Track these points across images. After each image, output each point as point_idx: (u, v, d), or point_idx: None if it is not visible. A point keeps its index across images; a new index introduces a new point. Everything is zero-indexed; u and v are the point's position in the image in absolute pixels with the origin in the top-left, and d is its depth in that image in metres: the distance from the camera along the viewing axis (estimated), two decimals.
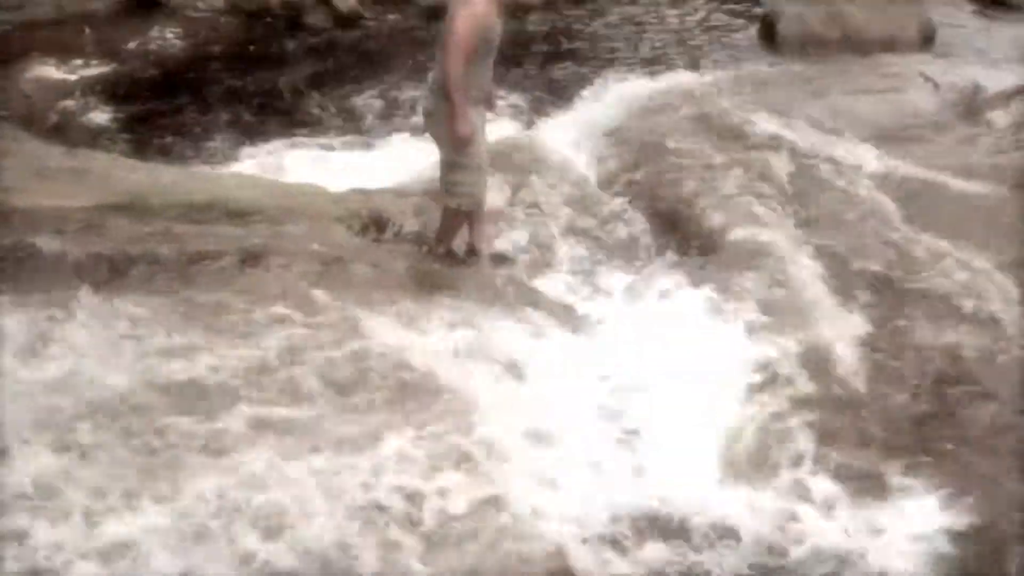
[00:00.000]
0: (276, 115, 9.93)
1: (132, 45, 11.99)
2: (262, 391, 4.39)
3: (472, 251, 6.17)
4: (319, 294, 5.10)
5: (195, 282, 5.08)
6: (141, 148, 8.73)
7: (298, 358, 4.62)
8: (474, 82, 5.54)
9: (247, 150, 8.80)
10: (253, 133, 9.35)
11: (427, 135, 6.07)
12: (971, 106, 9.29)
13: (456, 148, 5.67)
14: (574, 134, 8.50)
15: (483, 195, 5.96)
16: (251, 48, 12.12)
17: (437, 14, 13.54)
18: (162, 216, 5.71)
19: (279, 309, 4.93)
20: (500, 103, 9.23)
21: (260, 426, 4.17)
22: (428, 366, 4.75)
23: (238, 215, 5.94)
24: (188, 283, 5.07)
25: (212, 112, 9.96)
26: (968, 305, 5.74)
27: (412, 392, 4.56)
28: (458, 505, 4.04)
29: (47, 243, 5.19)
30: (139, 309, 4.78)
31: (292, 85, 10.90)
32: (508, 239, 6.73)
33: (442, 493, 4.07)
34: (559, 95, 10.29)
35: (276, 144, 8.99)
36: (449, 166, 5.81)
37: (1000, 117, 8.97)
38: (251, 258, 5.35)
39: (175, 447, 4.02)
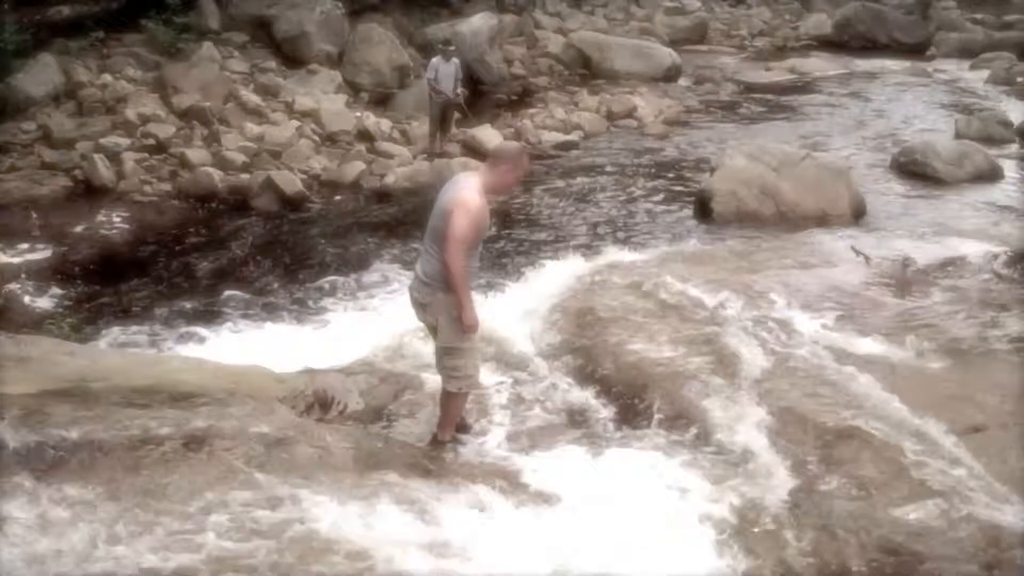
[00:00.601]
0: (221, 298, 10.02)
1: (78, 229, 12.16)
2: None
3: (462, 426, 6.47)
4: (262, 477, 5.10)
5: (138, 467, 5.05)
6: (86, 332, 8.76)
7: (242, 545, 4.59)
8: (469, 270, 5.84)
9: (192, 332, 8.88)
10: (198, 316, 9.43)
11: (422, 324, 6.34)
12: (901, 279, 9.60)
13: (458, 337, 5.92)
14: (518, 310, 8.69)
15: (478, 376, 6.25)
16: (197, 232, 12.30)
17: (381, 198, 13.99)
18: (105, 401, 5.71)
19: (223, 494, 4.92)
20: None
21: None
22: (374, 551, 4.72)
23: (182, 398, 5.95)
24: (131, 469, 5.04)
25: (157, 296, 10.05)
26: (920, 474, 5.84)
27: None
28: None
29: None
30: (82, 495, 4.75)
31: (238, 268, 11.04)
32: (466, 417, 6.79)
33: None
34: (504, 273, 10.52)
35: (221, 326, 9.08)
36: (447, 352, 6.03)
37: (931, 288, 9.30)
38: (195, 442, 5.34)
39: None
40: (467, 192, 5.73)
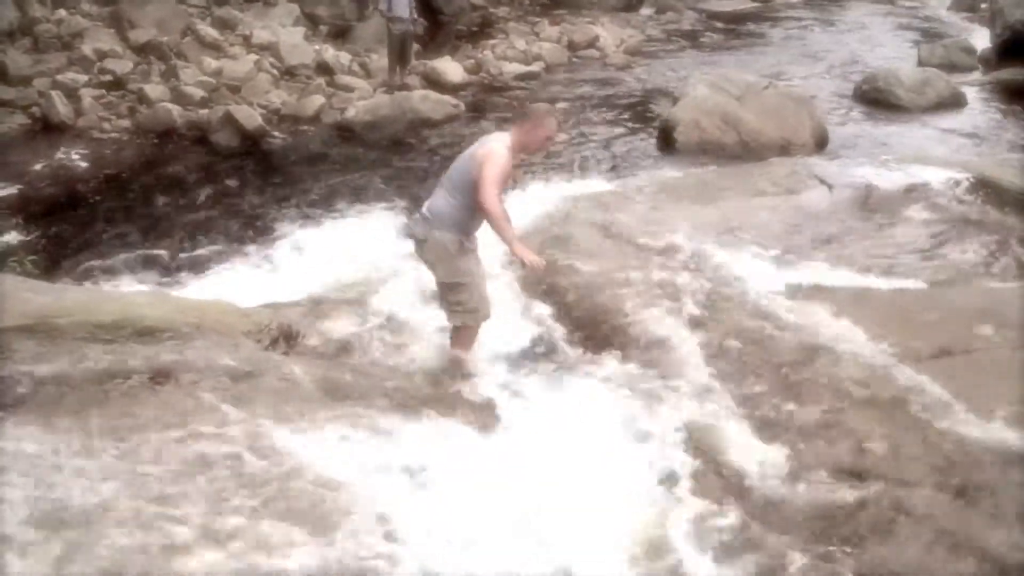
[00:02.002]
0: (182, 234, 9.94)
1: (38, 167, 12.00)
2: (176, 511, 4.34)
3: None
4: (230, 409, 5.10)
5: (106, 402, 5.04)
6: (49, 269, 8.67)
7: (211, 475, 4.59)
8: (472, 219, 6.06)
9: (154, 268, 8.81)
10: (160, 252, 9.35)
11: (421, 260, 6.44)
12: (864, 205, 9.65)
13: (456, 272, 6.15)
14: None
15: (486, 308, 6.37)
16: (158, 168, 12.17)
17: (341, 131, 13.89)
18: (70, 337, 5.66)
19: (190, 426, 4.92)
20: (407, 214, 9.54)
21: (174, 549, 4.12)
22: (340, 478, 4.74)
23: (147, 333, 5.91)
24: (99, 403, 5.02)
25: (119, 232, 9.94)
26: (882, 396, 5.91)
27: (324, 505, 4.55)
28: None
29: None
30: (49, 431, 4.73)
31: (198, 204, 10.94)
32: (424, 345, 6.85)
33: None
34: None
35: (183, 261, 9.02)
36: (449, 288, 6.24)
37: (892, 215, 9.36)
38: (161, 376, 5.32)
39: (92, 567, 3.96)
40: (497, 146, 5.92)
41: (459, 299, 6.22)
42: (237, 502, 4.41)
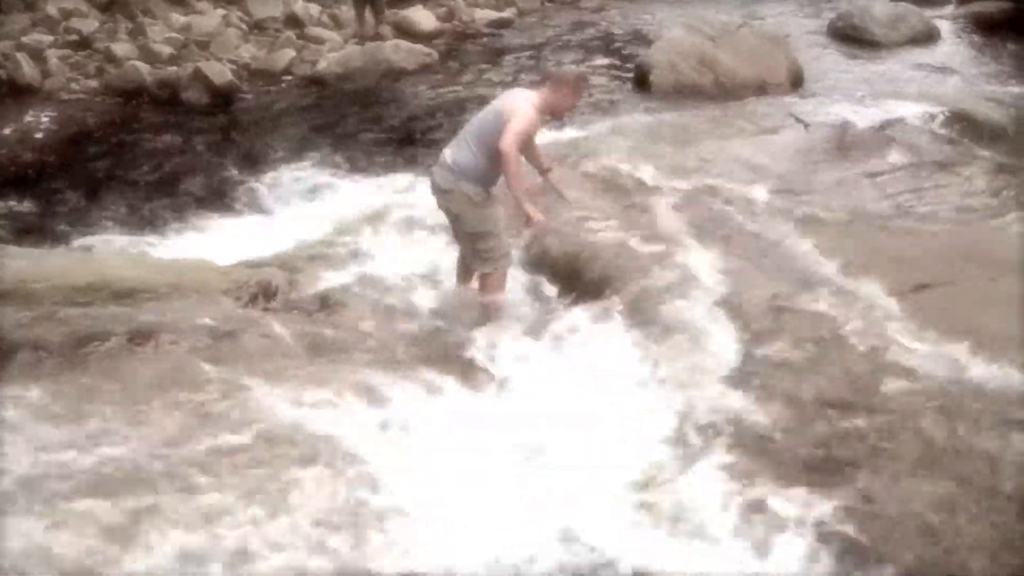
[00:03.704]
0: (157, 194, 9.84)
1: (6, 131, 11.84)
2: (163, 472, 4.33)
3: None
4: (210, 368, 5.07)
5: (84, 365, 5.01)
6: (21, 233, 8.58)
7: (195, 435, 4.58)
8: (496, 171, 6.08)
9: (131, 229, 8.72)
10: (135, 213, 9.26)
11: (442, 209, 6.48)
12: (841, 143, 9.64)
13: (484, 221, 6.22)
14: None
15: (510, 252, 6.54)
16: (128, 128, 12.03)
17: (313, 84, 13.77)
18: (47, 301, 5.62)
19: (170, 387, 4.90)
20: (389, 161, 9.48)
21: (162, 509, 4.12)
22: (325, 434, 4.74)
23: (125, 295, 5.88)
24: (76, 367, 5.00)
25: (92, 194, 9.82)
26: (860, 334, 5.94)
27: (311, 461, 4.55)
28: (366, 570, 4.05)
29: None
30: (27, 396, 4.70)
31: (170, 164, 10.82)
32: (407, 299, 6.80)
33: (340, 559, 4.07)
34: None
35: (159, 222, 8.93)
36: (477, 237, 6.31)
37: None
38: (140, 337, 5.30)
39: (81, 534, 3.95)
40: (525, 103, 5.95)
41: (488, 247, 6.30)
42: (219, 461, 4.40)
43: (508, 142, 5.76)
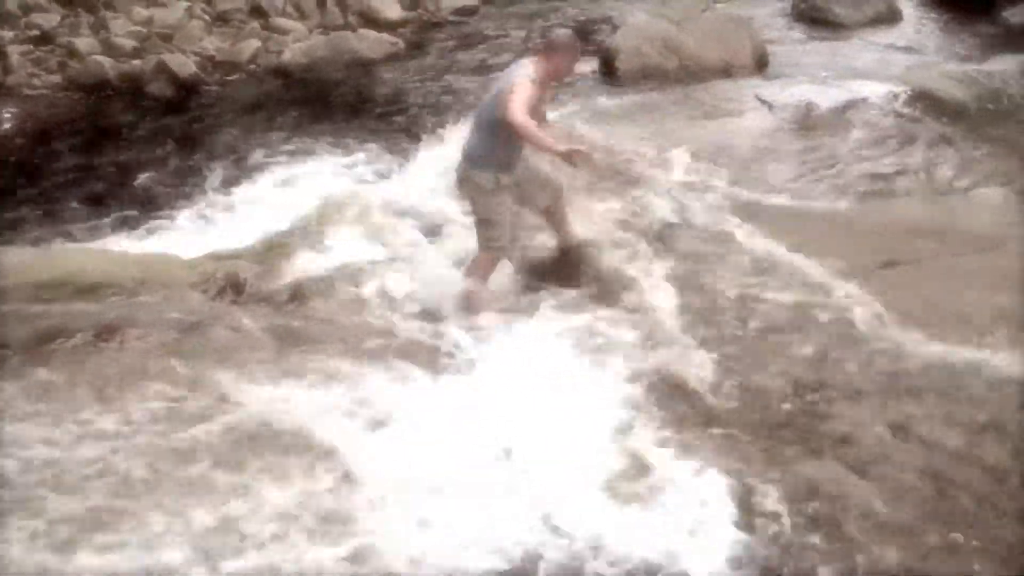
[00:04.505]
0: (121, 188, 9.78)
1: None
2: (130, 467, 4.32)
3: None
4: (178, 363, 5.05)
5: (50, 362, 4.98)
6: None
7: (162, 430, 4.56)
8: (505, 152, 6.19)
9: (95, 224, 8.65)
10: (100, 207, 9.19)
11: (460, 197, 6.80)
12: (805, 123, 9.69)
13: (489, 209, 6.33)
14: (431, 174, 8.55)
15: (512, 246, 6.59)
16: (92, 123, 11.94)
17: (278, 75, 13.70)
18: (11, 298, 5.59)
19: (138, 382, 4.87)
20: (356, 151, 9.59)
21: (129, 504, 4.10)
22: (296, 424, 4.73)
23: (90, 290, 5.85)
24: (42, 363, 4.97)
25: (56, 189, 9.75)
26: (824, 315, 5.98)
27: (283, 451, 4.54)
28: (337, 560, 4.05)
29: None
30: None
31: (135, 158, 10.75)
32: (376, 288, 6.78)
33: (317, 551, 4.07)
34: (414, 140, 10.35)
35: (125, 216, 8.87)
36: (483, 223, 6.44)
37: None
38: (106, 332, 5.27)
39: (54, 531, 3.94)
40: (520, 79, 5.97)
41: (491, 235, 6.42)
42: (189, 454, 4.39)
43: (512, 111, 5.79)
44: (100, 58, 13.45)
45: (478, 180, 6.27)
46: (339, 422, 4.90)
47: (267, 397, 4.96)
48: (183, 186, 9.76)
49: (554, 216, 6.87)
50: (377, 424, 4.99)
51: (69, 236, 8.36)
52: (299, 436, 4.67)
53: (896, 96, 10.09)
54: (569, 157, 5.95)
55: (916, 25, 16.13)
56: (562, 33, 6.44)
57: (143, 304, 5.73)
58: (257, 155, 10.31)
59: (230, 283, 6.48)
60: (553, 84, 6.53)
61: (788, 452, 4.83)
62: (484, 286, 6.61)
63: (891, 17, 16.17)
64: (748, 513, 4.43)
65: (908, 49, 14.41)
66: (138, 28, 14.51)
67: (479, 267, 6.57)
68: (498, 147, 6.15)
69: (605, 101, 11.38)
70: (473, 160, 6.28)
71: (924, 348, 5.53)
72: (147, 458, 4.37)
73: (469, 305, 6.51)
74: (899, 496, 4.46)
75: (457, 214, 7.57)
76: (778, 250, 6.87)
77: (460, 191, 6.60)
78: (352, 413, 5.02)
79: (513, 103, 5.81)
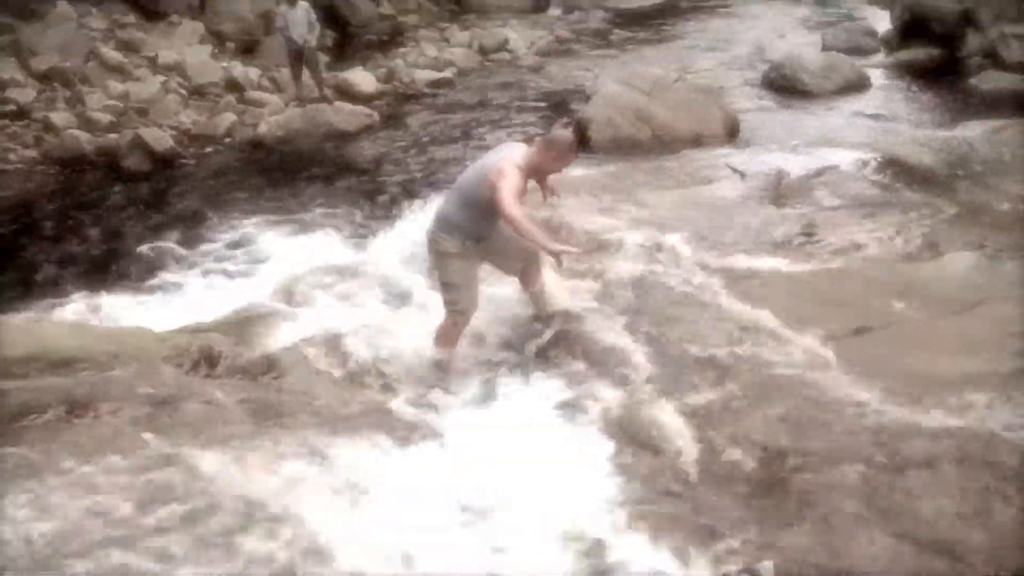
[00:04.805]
0: (96, 262, 9.78)
1: None
2: (101, 544, 4.26)
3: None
4: (151, 437, 5.00)
5: (20, 438, 4.92)
6: None
7: (134, 506, 4.50)
8: (479, 225, 6.27)
9: (69, 299, 8.62)
10: (75, 282, 9.18)
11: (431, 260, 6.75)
12: (776, 191, 9.78)
13: (447, 273, 6.43)
14: (403, 249, 8.57)
15: (471, 309, 6.59)
16: (67, 197, 11.96)
17: (255, 148, 13.77)
18: None
19: (111, 458, 4.81)
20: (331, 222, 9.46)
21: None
22: (267, 501, 4.68)
23: (63, 364, 5.80)
24: (13, 440, 4.91)
25: (30, 263, 9.75)
26: (795, 380, 5.99)
27: (256, 527, 4.49)
28: None
29: None
30: None
31: (110, 232, 10.77)
32: (350, 357, 6.76)
33: None
34: (387, 215, 10.41)
35: (98, 290, 8.85)
36: (443, 287, 6.55)
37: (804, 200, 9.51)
38: (79, 407, 5.21)
39: None
40: (509, 165, 6.02)
41: (452, 297, 6.48)
42: (159, 531, 4.32)
43: (508, 209, 5.84)
44: (76, 132, 13.55)
45: (444, 244, 6.30)
46: (311, 497, 4.84)
47: (239, 472, 4.90)
48: (158, 259, 9.77)
49: (528, 280, 6.86)
50: (346, 494, 4.94)
51: (44, 310, 8.33)
52: (270, 511, 4.61)
53: (866, 163, 10.21)
54: (557, 255, 6.01)
55: (884, 92, 16.44)
56: (564, 134, 6.29)
57: (116, 378, 5.67)
58: (232, 227, 10.35)
59: (204, 356, 6.45)
60: (536, 177, 6.46)
61: (757, 519, 4.81)
62: (452, 352, 6.66)
63: (860, 85, 16.48)
64: None
65: (877, 116, 14.66)
66: (114, 102, 14.65)
67: (444, 332, 6.62)
68: (473, 219, 6.20)
69: (578, 171, 11.47)
70: (442, 225, 6.32)
71: (897, 414, 5.52)
72: (117, 534, 4.30)
73: (439, 371, 6.56)
74: (873, 563, 4.44)
75: (431, 282, 7.58)
76: (750, 315, 6.88)
77: (429, 253, 6.60)
78: (324, 487, 4.97)
79: (504, 192, 5.85)
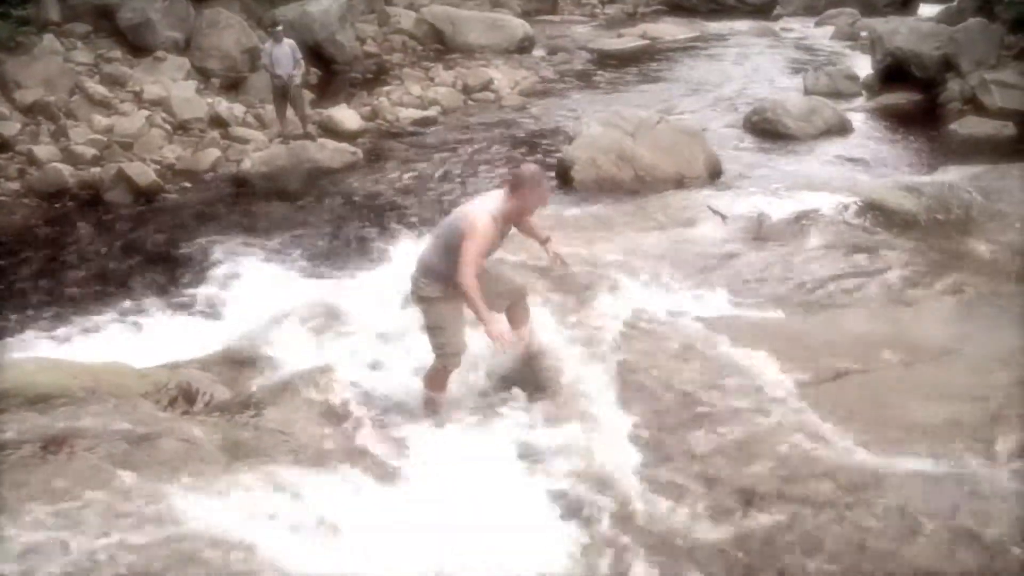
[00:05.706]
0: (76, 296, 9.75)
1: None
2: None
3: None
4: (126, 475, 4.97)
5: None
6: None
7: (109, 542, 4.47)
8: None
9: (47, 334, 8.59)
10: (54, 316, 9.15)
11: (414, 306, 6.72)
12: (758, 234, 9.83)
13: (434, 319, 6.42)
14: (380, 292, 8.54)
15: (459, 356, 6.55)
16: (50, 230, 11.94)
17: (238, 183, 13.78)
18: None
19: (86, 495, 4.78)
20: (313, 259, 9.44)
21: None
22: (243, 537, 4.65)
23: (40, 400, 5.76)
24: None
25: (10, 297, 9.71)
26: (776, 426, 6.00)
27: (230, 567, 4.46)
28: None
29: None
30: None
31: (92, 266, 10.74)
32: (329, 396, 6.73)
33: None
34: (366, 257, 10.43)
35: (77, 325, 8.82)
36: (430, 331, 6.51)
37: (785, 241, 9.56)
38: (54, 444, 5.18)
39: None
40: (482, 217, 6.07)
41: (438, 342, 6.47)
42: (134, 569, 4.29)
43: (464, 275, 5.92)
44: (60, 165, 13.55)
45: (426, 289, 6.33)
46: (285, 535, 4.82)
47: (214, 509, 4.88)
48: (140, 294, 9.75)
49: (516, 319, 6.85)
50: (323, 536, 4.92)
51: (22, 344, 8.29)
52: (244, 549, 4.58)
53: (847, 207, 10.29)
54: (495, 337, 6.01)
55: (866, 137, 16.57)
56: (526, 168, 6.35)
57: (93, 414, 5.64)
58: (213, 263, 10.34)
59: (182, 393, 6.43)
60: (518, 220, 6.45)
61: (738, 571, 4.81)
62: (440, 394, 6.65)
63: (841, 128, 16.61)
64: None
65: (858, 160, 14.78)
66: (98, 136, 14.65)
67: (434, 375, 6.62)
68: (453, 265, 6.14)
69: (561, 211, 11.52)
70: (424, 271, 6.35)
71: (877, 459, 5.54)
72: (92, 572, 4.27)
73: (426, 412, 6.57)
74: None
75: (412, 323, 7.57)
76: (730, 359, 6.90)
77: (413, 299, 6.61)
78: (298, 526, 4.95)
79: (466, 256, 5.92)
